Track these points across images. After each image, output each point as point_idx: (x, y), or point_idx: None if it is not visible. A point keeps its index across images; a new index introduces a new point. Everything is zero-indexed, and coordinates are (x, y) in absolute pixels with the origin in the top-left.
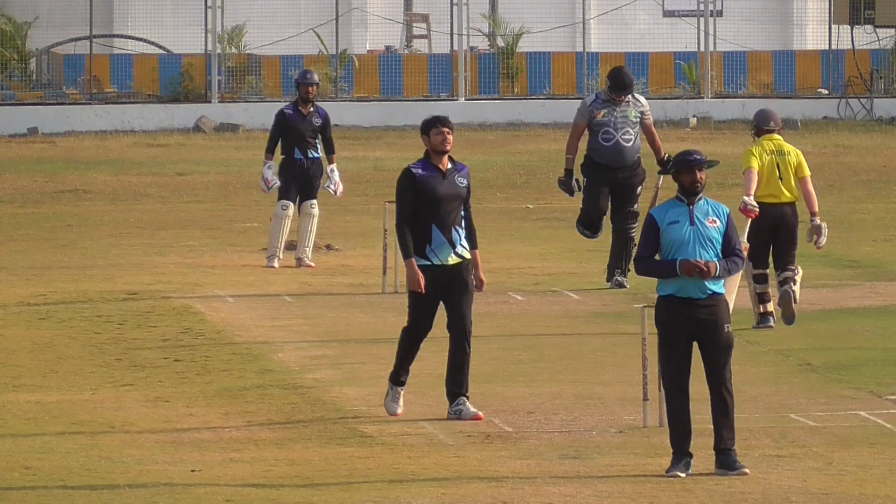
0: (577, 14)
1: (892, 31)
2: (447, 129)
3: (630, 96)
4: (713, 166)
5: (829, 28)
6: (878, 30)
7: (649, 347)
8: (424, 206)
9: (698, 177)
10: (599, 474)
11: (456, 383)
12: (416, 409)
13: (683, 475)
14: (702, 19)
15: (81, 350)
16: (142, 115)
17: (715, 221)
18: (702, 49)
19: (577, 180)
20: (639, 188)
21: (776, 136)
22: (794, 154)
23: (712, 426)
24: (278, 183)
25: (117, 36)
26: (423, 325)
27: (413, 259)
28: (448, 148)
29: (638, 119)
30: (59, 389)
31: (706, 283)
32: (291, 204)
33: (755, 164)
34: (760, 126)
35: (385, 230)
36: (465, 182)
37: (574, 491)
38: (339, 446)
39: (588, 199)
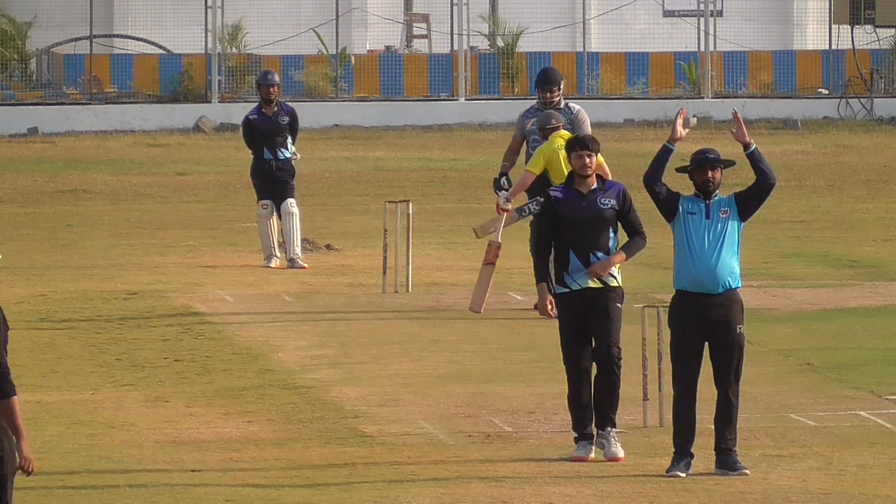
0: (577, 14)
1: (892, 31)
2: (586, 153)
3: (564, 104)
4: (729, 166)
5: (829, 28)
6: (878, 30)
7: (649, 347)
8: (563, 231)
9: (709, 176)
10: (599, 474)
11: (603, 416)
12: (417, 409)
13: (683, 475)
14: (702, 19)
15: (81, 350)
16: (142, 115)
17: (727, 212)
18: (702, 49)
19: (506, 177)
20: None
21: (563, 131)
22: None
23: (713, 426)
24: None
25: (117, 36)
26: (577, 358)
27: (545, 284)
28: (588, 173)
29: (568, 128)
30: (59, 389)
31: (722, 275)
32: (270, 202)
33: (539, 169)
34: (544, 126)
35: (385, 230)
36: (611, 203)
37: (574, 491)
38: (339, 446)
39: (536, 229)
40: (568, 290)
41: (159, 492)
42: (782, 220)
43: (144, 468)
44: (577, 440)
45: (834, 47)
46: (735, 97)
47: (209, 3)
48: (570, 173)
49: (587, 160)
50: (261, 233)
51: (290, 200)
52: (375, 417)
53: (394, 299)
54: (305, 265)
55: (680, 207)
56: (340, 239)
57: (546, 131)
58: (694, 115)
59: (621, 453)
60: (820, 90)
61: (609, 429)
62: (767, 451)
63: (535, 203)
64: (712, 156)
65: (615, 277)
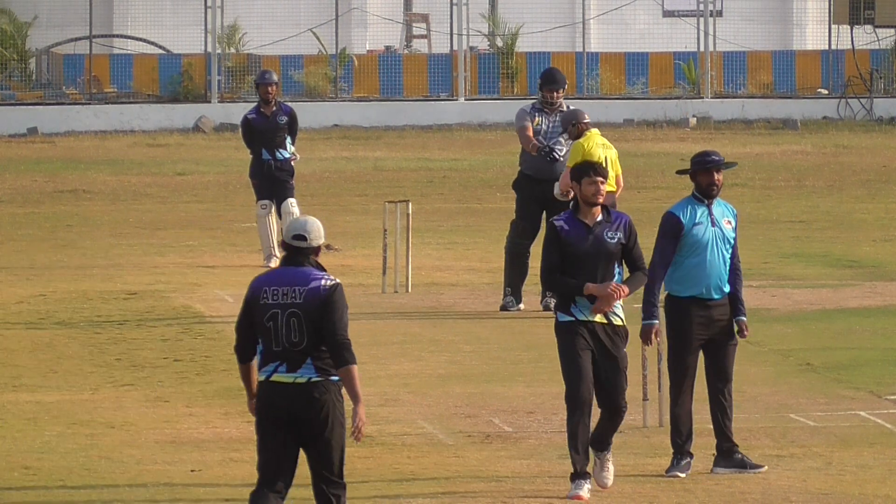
0: (577, 14)
1: (892, 31)
2: (601, 179)
3: (565, 107)
4: (732, 167)
5: (829, 28)
6: (878, 30)
7: (649, 347)
8: (566, 264)
9: (715, 178)
10: None
11: (602, 442)
12: (417, 409)
13: (683, 475)
14: (702, 19)
15: (81, 350)
16: (141, 115)
17: (730, 222)
18: (702, 49)
19: (549, 147)
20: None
21: (595, 130)
22: (612, 150)
23: (714, 426)
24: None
25: (117, 36)
26: (583, 388)
27: (585, 285)
28: (599, 200)
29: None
30: (59, 389)
31: (722, 283)
32: (269, 201)
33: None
34: (580, 121)
35: (385, 230)
36: (618, 236)
37: None
38: None
39: (519, 228)
40: (573, 318)
41: (159, 492)
42: (782, 220)
43: (144, 468)
44: (573, 478)
45: (833, 47)
46: (735, 97)
47: (209, 4)
48: (575, 202)
49: (601, 186)
50: (260, 233)
51: (291, 200)
52: (375, 417)
53: (394, 299)
54: None
55: (683, 225)
56: (340, 239)
57: (581, 126)
58: (693, 116)
59: (609, 482)
60: (820, 90)
61: (604, 452)
62: (767, 451)
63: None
64: (718, 158)
65: (619, 316)
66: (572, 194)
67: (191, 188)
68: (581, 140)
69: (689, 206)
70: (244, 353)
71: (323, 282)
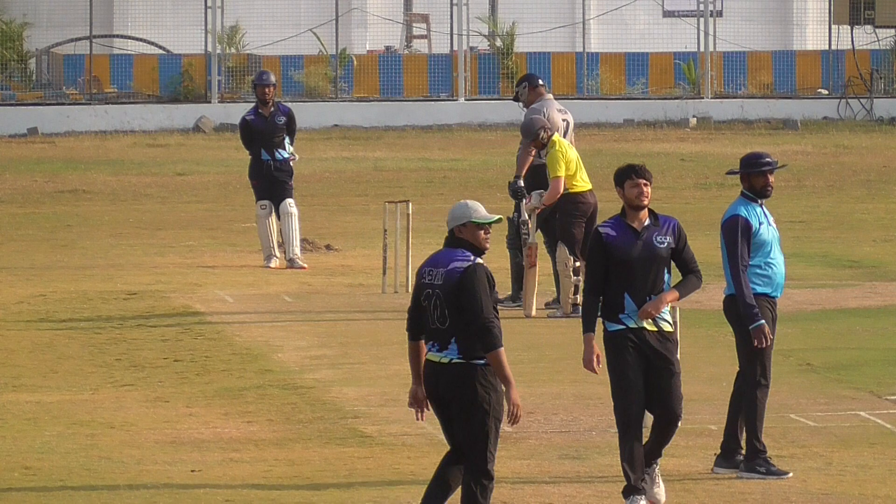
0: (577, 14)
1: (892, 31)
2: (644, 181)
3: (545, 99)
4: (782, 168)
5: (829, 28)
6: (878, 30)
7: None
8: (615, 271)
9: (771, 180)
10: (599, 474)
11: (652, 454)
12: None
13: (790, 474)
14: (702, 19)
15: (81, 350)
16: (142, 115)
17: (775, 223)
18: (702, 49)
19: (522, 187)
20: (537, 209)
21: (555, 136)
22: (574, 150)
23: (727, 426)
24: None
25: (117, 36)
26: (634, 405)
27: (592, 335)
28: (644, 202)
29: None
30: (59, 389)
31: (784, 281)
32: (269, 202)
33: (562, 171)
34: (545, 127)
35: (385, 230)
36: (668, 241)
37: (574, 491)
38: (339, 446)
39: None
40: (623, 326)
41: (159, 492)
42: (782, 220)
43: (144, 468)
44: (626, 493)
45: (834, 47)
46: (735, 97)
47: (209, 4)
48: (623, 206)
49: (645, 189)
50: (260, 233)
51: (289, 201)
52: (375, 417)
53: (393, 299)
54: (305, 265)
55: (752, 225)
56: (340, 239)
57: (549, 131)
58: (693, 116)
59: (663, 497)
60: (820, 90)
61: (652, 467)
62: (768, 451)
63: (538, 195)
64: (772, 160)
65: (668, 322)
66: (538, 210)
67: (191, 188)
68: (556, 149)
69: (748, 207)
70: (412, 330)
71: (460, 263)
